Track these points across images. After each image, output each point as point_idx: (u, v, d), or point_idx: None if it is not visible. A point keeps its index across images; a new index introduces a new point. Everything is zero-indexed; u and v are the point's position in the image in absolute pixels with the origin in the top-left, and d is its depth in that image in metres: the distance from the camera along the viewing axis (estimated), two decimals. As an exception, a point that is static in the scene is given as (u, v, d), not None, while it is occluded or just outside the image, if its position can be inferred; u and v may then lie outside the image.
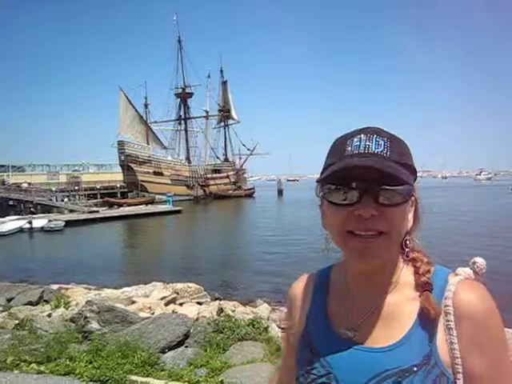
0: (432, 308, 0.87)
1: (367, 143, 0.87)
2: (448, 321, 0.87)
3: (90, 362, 4.95)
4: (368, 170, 0.83)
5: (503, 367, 0.87)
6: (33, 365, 5.05)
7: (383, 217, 0.85)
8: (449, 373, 0.85)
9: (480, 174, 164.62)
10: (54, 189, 53.28)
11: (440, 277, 0.94)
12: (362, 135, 0.89)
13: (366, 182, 0.85)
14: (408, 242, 0.96)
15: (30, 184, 52.49)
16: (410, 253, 0.96)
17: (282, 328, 1.24)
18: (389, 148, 0.87)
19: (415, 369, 0.84)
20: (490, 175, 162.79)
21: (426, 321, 0.89)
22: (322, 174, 0.92)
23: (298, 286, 1.11)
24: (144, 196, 60.13)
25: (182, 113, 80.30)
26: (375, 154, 0.86)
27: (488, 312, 0.86)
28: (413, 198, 0.92)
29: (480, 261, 0.96)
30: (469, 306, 0.87)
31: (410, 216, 0.93)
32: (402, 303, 0.93)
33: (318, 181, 0.93)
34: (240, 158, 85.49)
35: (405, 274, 0.96)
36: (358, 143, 0.88)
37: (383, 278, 0.95)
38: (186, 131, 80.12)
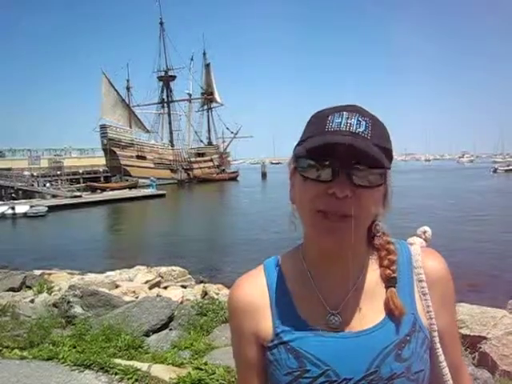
0: (396, 307, 0.89)
1: (349, 121, 0.83)
2: (423, 287, 0.94)
3: (74, 347, 4.95)
4: (346, 149, 0.79)
5: (456, 318, 1.01)
6: (15, 350, 5.02)
7: (356, 198, 0.82)
8: (428, 333, 0.92)
9: (463, 157, 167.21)
10: (35, 174, 52.44)
11: (402, 249, 0.99)
12: (345, 112, 0.85)
13: (343, 160, 0.81)
14: (377, 226, 0.96)
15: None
16: (376, 238, 0.97)
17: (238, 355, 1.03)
18: (370, 129, 0.84)
19: (408, 338, 0.89)
20: (472, 158, 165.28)
21: (404, 292, 0.93)
22: (299, 145, 0.88)
23: (245, 294, 0.98)
24: (127, 180, 59.55)
25: (164, 96, 79.37)
26: (356, 134, 0.82)
27: (448, 274, 0.97)
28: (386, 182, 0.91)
29: (429, 230, 1.04)
30: (436, 271, 0.95)
31: (381, 200, 0.91)
32: (377, 281, 0.94)
33: (295, 153, 0.88)
34: (224, 142, 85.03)
35: (373, 254, 0.97)
36: (339, 120, 0.84)
37: (353, 260, 0.92)
38: (169, 114, 79.36)
